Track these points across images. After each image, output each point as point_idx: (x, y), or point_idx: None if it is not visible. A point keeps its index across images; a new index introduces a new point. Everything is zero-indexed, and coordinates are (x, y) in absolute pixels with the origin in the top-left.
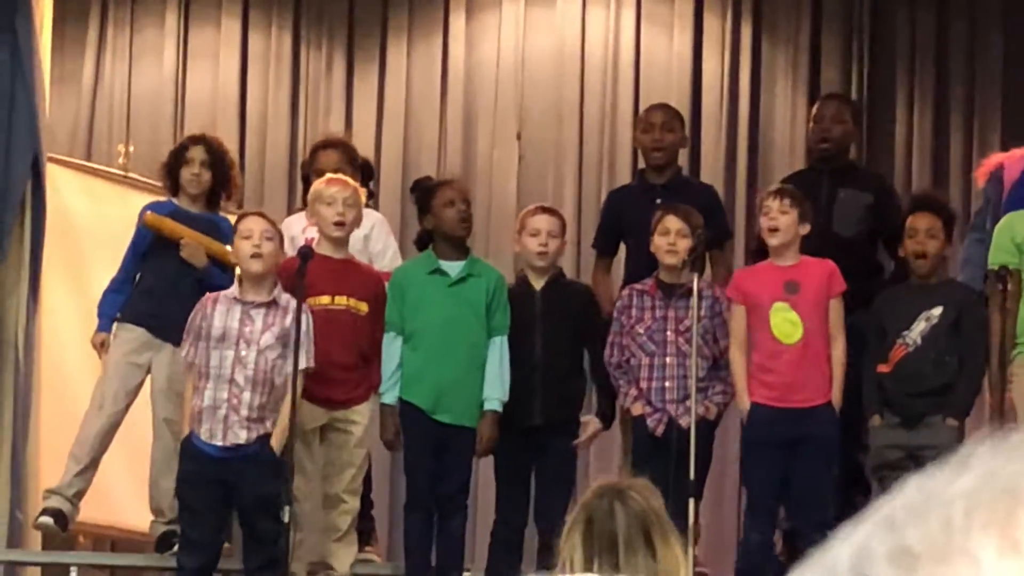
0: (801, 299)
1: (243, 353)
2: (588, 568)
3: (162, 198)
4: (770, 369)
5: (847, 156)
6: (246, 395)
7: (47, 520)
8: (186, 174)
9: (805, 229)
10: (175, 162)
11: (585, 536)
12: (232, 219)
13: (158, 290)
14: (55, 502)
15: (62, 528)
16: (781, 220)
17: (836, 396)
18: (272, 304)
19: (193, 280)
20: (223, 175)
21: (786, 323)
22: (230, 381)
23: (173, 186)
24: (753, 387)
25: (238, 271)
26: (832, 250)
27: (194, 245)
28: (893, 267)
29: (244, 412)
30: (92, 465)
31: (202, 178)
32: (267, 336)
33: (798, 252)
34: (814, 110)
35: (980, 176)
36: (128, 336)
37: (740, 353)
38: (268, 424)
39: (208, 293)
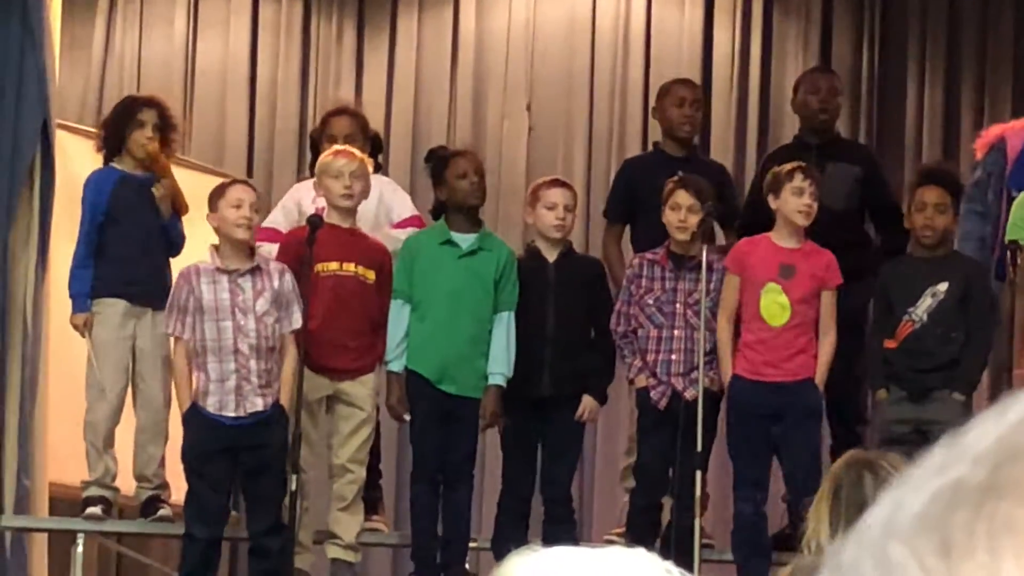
0: (794, 285)
1: (242, 323)
2: (835, 536)
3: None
4: (754, 347)
5: (834, 129)
6: (253, 363)
7: (96, 510)
8: (139, 138)
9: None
10: (124, 124)
11: (833, 506)
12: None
13: (128, 257)
14: (96, 491)
15: (108, 511)
16: (814, 206)
17: (820, 381)
18: (256, 269)
19: (159, 242)
20: (168, 138)
21: (775, 305)
22: (235, 352)
23: (117, 149)
24: (737, 360)
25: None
26: (822, 223)
27: (169, 190)
28: (880, 241)
29: (255, 380)
30: (111, 445)
31: (154, 142)
32: (261, 302)
33: (802, 235)
34: (806, 82)
35: (979, 147)
36: (110, 311)
37: (728, 323)
38: (276, 387)
39: (184, 268)
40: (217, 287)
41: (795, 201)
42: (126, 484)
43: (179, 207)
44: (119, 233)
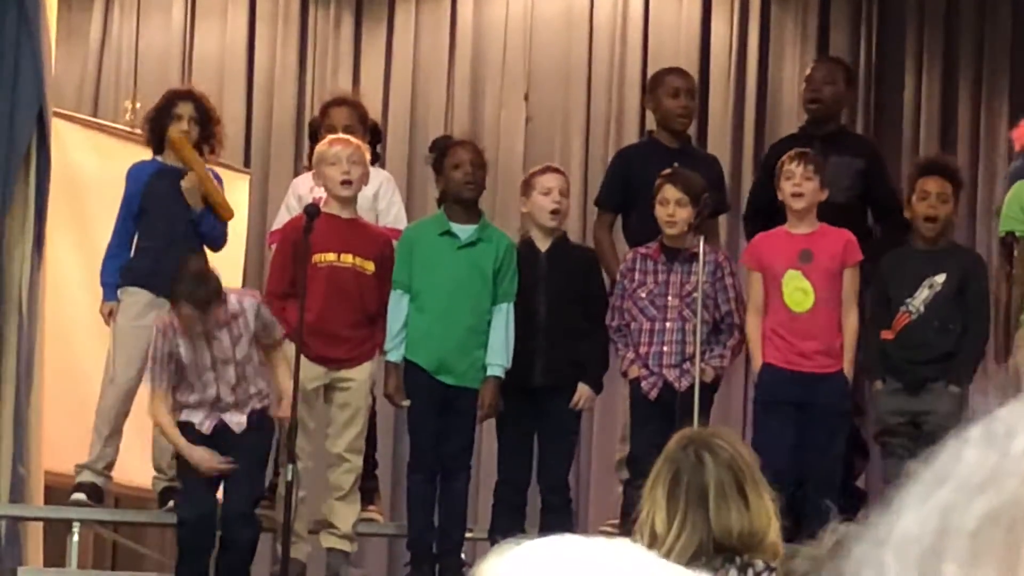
0: (814, 268)
1: (223, 373)
2: (670, 524)
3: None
4: (782, 336)
5: (839, 121)
6: (231, 399)
7: (81, 496)
8: (175, 131)
9: (823, 196)
10: (162, 118)
11: (670, 491)
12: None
13: (156, 249)
14: (88, 476)
15: (97, 501)
16: (806, 186)
17: (847, 365)
18: (231, 319)
19: (189, 234)
20: (209, 131)
21: (798, 292)
22: (216, 397)
23: (159, 143)
24: (766, 349)
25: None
26: (823, 215)
27: (195, 182)
28: (880, 233)
29: (231, 410)
30: (116, 433)
31: (191, 135)
32: (239, 349)
33: (815, 219)
34: (807, 73)
35: (1019, 138)
36: (131, 300)
37: (756, 318)
38: (258, 399)
39: (160, 321)
40: (196, 345)
41: (786, 186)
42: (124, 473)
43: (215, 205)
44: (148, 224)
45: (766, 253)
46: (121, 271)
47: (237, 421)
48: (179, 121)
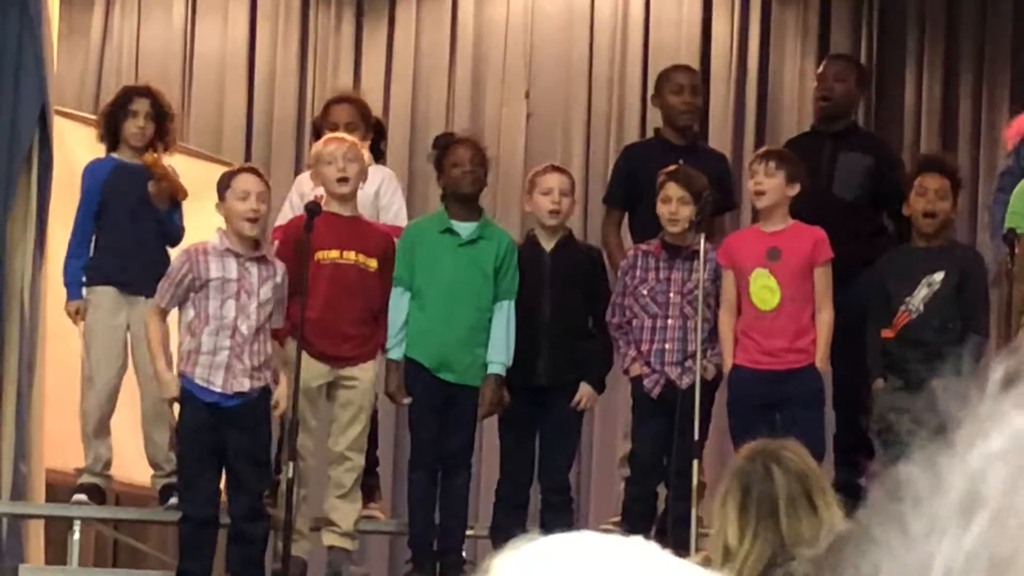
0: (782, 266)
1: (245, 303)
2: (742, 537)
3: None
4: (750, 335)
5: (849, 119)
6: (247, 345)
7: (82, 497)
8: (131, 127)
9: (794, 190)
10: (117, 114)
11: (742, 505)
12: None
13: (120, 246)
14: (88, 479)
15: (100, 501)
16: (767, 183)
17: (821, 361)
18: (263, 259)
19: (154, 231)
20: (164, 128)
21: (764, 290)
22: (233, 330)
23: (113, 139)
24: (736, 350)
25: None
26: (833, 213)
27: (165, 188)
28: (893, 229)
29: (247, 362)
30: (104, 432)
31: (147, 131)
32: (265, 289)
33: (787, 216)
34: (819, 70)
35: (1010, 137)
36: (100, 300)
37: (728, 316)
38: (267, 375)
39: (191, 245)
40: (226, 266)
41: (750, 185)
42: (124, 471)
43: (177, 194)
44: (112, 221)
45: (737, 251)
46: (85, 270)
47: (241, 381)
48: (135, 117)
